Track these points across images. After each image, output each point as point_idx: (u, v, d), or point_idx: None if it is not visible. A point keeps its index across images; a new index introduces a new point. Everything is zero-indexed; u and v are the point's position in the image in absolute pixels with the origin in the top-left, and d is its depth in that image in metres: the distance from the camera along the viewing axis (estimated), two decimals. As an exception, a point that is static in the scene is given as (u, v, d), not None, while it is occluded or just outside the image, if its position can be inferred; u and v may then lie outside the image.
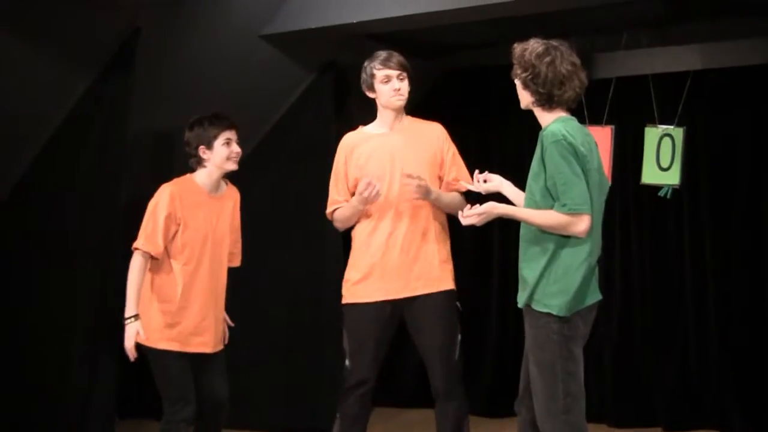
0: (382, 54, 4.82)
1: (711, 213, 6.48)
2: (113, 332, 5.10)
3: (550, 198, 3.97)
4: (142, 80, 5.34)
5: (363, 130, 4.95)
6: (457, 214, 4.30)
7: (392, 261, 4.79)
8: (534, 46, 4.10)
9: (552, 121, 4.08)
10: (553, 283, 3.97)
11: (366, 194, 4.66)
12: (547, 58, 4.05)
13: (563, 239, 3.98)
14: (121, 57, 5.27)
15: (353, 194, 4.85)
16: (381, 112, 4.90)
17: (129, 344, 4.68)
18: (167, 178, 4.92)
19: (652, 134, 6.09)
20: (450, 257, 4.94)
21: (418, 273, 4.80)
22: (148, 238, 4.76)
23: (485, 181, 4.57)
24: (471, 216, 4.14)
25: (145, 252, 4.76)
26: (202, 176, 4.92)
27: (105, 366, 5.34)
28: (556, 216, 3.94)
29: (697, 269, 6.53)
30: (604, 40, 6.36)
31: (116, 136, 5.35)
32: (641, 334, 6.71)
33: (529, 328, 4.07)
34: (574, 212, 3.91)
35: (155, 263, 4.82)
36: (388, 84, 4.77)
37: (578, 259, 3.98)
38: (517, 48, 4.14)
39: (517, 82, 4.14)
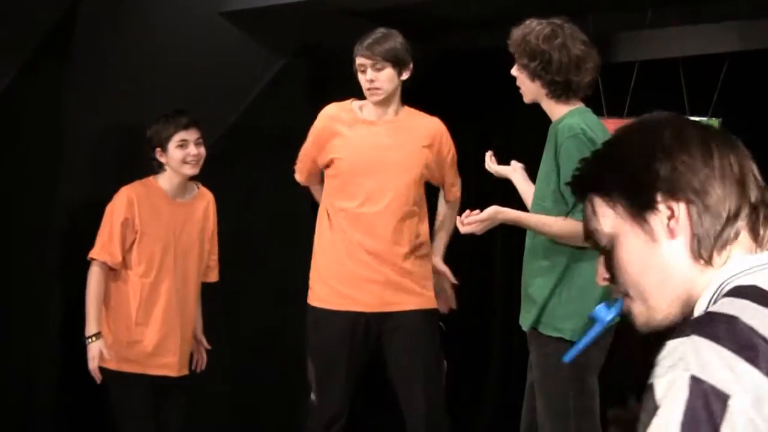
0: (368, 35, 4.43)
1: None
2: (50, 348, 5.12)
3: (563, 203, 3.70)
4: (83, 67, 5.11)
5: (352, 107, 4.53)
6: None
7: (369, 270, 4.41)
8: (536, 28, 3.81)
9: (566, 113, 3.78)
10: (566, 304, 3.73)
11: None
12: (557, 41, 3.78)
13: (578, 252, 3.73)
14: (54, 39, 5.00)
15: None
16: None
17: (92, 365, 4.60)
18: (130, 180, 4.84)
19: (682, 127, 5.68)
20: (431, 273, 4.57)
21: (398, 287, 4.41)
22: (104, 246, 4.69)
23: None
24: (472, 223, 3.83)
25: (101, 262, 4.68)
26: (164, 179, 4.82)
27: (42, 395, 5.21)
28: (573, 224, 3.66)
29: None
30: (625, 17, 6.02)
31: (53, 132, 5.14)
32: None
33: (536, 355, 3.82)
34: None
35: (113, 274, 4.74)
36: (364, 74, 4.40)
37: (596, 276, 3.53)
38: (515, 34, 3.85)
39: (522, 74, 3.85)
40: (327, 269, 4.49)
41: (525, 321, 3.86)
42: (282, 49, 5.95)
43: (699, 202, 1.59)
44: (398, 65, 4.37)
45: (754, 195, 1.61)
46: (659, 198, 1.60)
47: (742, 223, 1.60)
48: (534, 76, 3.81)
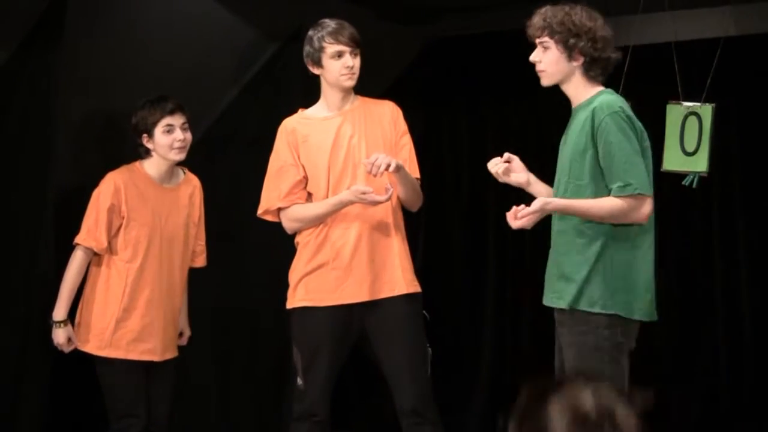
0: (332, 24, 4.63)
1: (745, 206, 6.25)
2: (45, 344, 4.97)
3: (601, 178, 3.83)
4: (74, 52, 5.11)
5: (305, 114, 4.75)
6: (408, 204, 4.48)
7: (350, 260, 4.57)
8: (574, 9, 3.97)
9: (596, 93, 3.94)
10: (613, 280, 3.81)
11: (371, 197, 4.43)
12: (600, 21, 3.97)
13: (611, 228, 3.89)
14: (45, 24, 5.05)
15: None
16: (327, 92, 4.70)
17: (65, 350, 4.77)
18: (116, 165, 4.90)
19: (675, 113, 5.70)
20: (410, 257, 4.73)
21: (382, 274, 4.57)
22: (90, 232, 4.76)
23: (507, 163, 4.24)
24: (525, 216, 3.89)
25: (86, 247, 4.76)
26: (151, 165, 4.90)
27: (34, 382, 5.18)
28: (617, 203, 3.85)
29: (730, 274, 6.27)
30: (618, 1, 5.94)
31: (42, 118, 5.14)
32: (660, 355, 6.39)
33: (571, 335, 3.87)
34: (638, 194, 3.82)
35: (98, 259, 4.81)
36: (340, 60, 4.59)
37: (642, 249, 3.89)
38: (552, 13, 3.97)
39: (557, 53, 3.96)
40: (308, 263, 4.64)
41: (561, 300, 3.92)
42: (275, 34, 5.98)
43: None
44: (363, 53, 4.63)
45: None
46: None
47: None
48: (579, 54, 3.95)
